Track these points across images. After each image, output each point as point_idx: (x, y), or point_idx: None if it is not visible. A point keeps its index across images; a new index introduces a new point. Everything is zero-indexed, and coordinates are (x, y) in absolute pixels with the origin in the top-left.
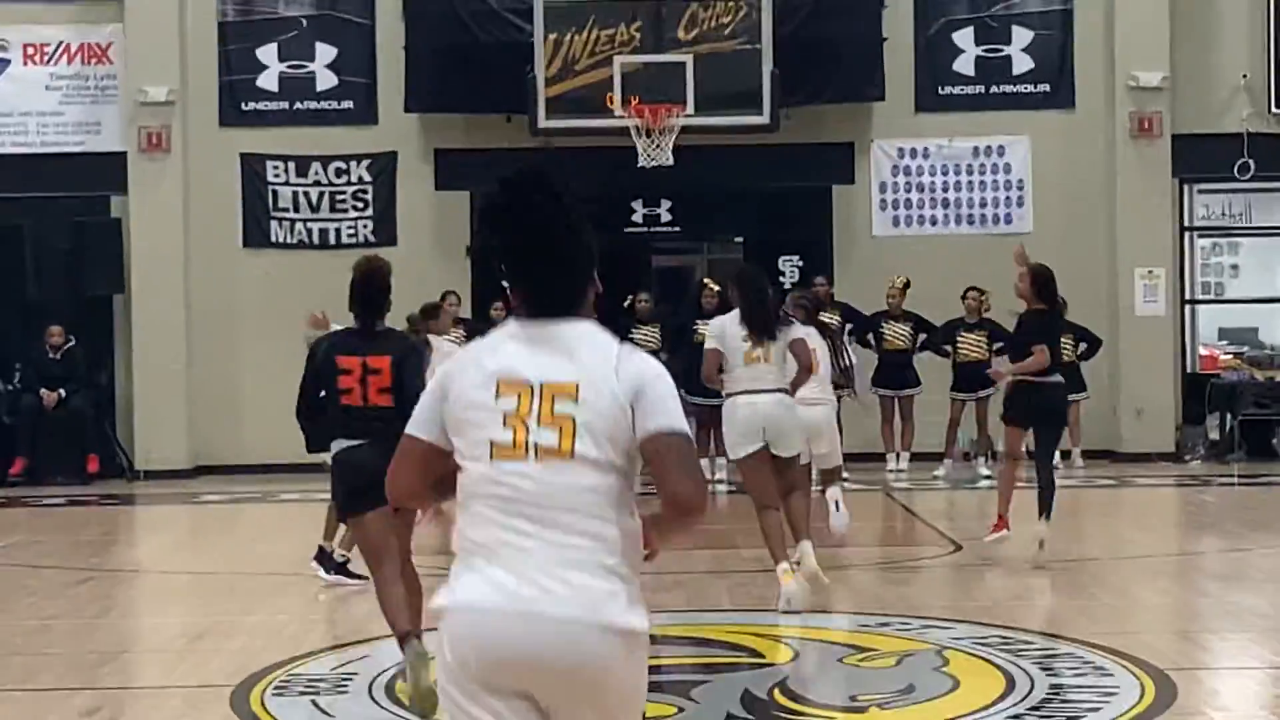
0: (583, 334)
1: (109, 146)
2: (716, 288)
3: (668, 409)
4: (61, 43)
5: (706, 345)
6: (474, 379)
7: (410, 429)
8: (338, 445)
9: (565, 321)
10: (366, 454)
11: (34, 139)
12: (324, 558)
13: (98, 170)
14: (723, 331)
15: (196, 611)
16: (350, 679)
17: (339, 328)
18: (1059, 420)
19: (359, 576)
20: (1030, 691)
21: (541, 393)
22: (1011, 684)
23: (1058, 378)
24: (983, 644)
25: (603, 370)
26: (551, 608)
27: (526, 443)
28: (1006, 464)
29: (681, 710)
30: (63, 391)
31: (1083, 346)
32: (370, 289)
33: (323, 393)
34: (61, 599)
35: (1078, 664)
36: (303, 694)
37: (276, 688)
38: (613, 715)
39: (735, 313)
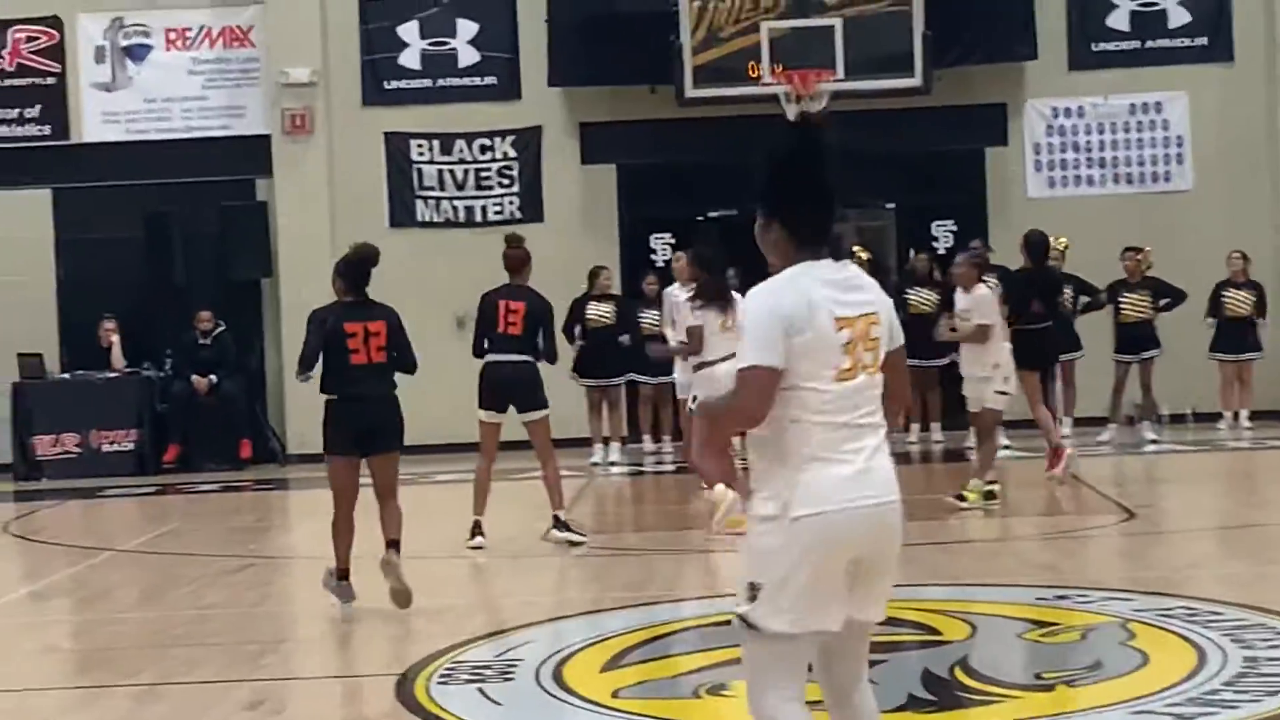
0: (859, 270)
1: (253, 130)
2: (866, 255)
3: (900, 330)
4: (203, 27)
5: (691, 322)
6: (821, 317)
7: (760, 360)
8: (332, 396)
9: (839, 261)
10: (362, 407)
11: (178, 124)
12: (560, 525)
13: (242, 154)
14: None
15: (358, 597)
16: (516, 665)
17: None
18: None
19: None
20: (1224, 665)
21: (861, 323)
22: (1203, 658)
23: (1047, 324)
24: (1167, 615)
25: (883, 299)
26: (888, 493)
27: (858, 364)
28: (1038, 407)
29: None
30: (214, 377)
31: (1251, 302)
32: (367, 268)
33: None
34: (219, 587)
35: (1270, 634)
36: (469, 682)
37: (441, 676)
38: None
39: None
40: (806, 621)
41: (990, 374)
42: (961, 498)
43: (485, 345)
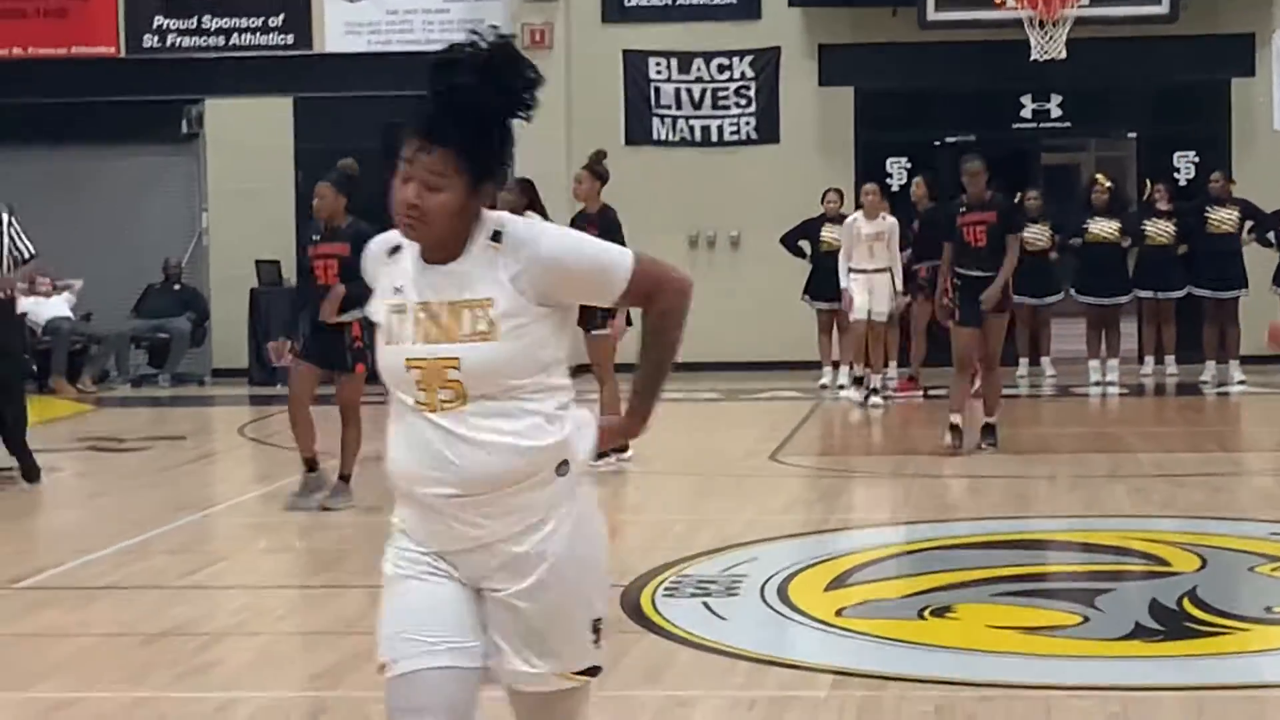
0: None
1: None
2: (1108, 184)
3: None
4: None
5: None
6: None
7: None
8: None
9: None
10: None
11: (419, 36)
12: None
13: None
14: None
15: None
16: (741, 580)
17: None
18: None
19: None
20: None
21: None
22: None
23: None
24: None
25: None
26: None
27: None
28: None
29: (1086, 620)
30: None
31: None
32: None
33: None
34: None
35: None
36: (694, 595)
37: (667, 588)
38: None
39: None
40: None
41: None
42: None
43: None
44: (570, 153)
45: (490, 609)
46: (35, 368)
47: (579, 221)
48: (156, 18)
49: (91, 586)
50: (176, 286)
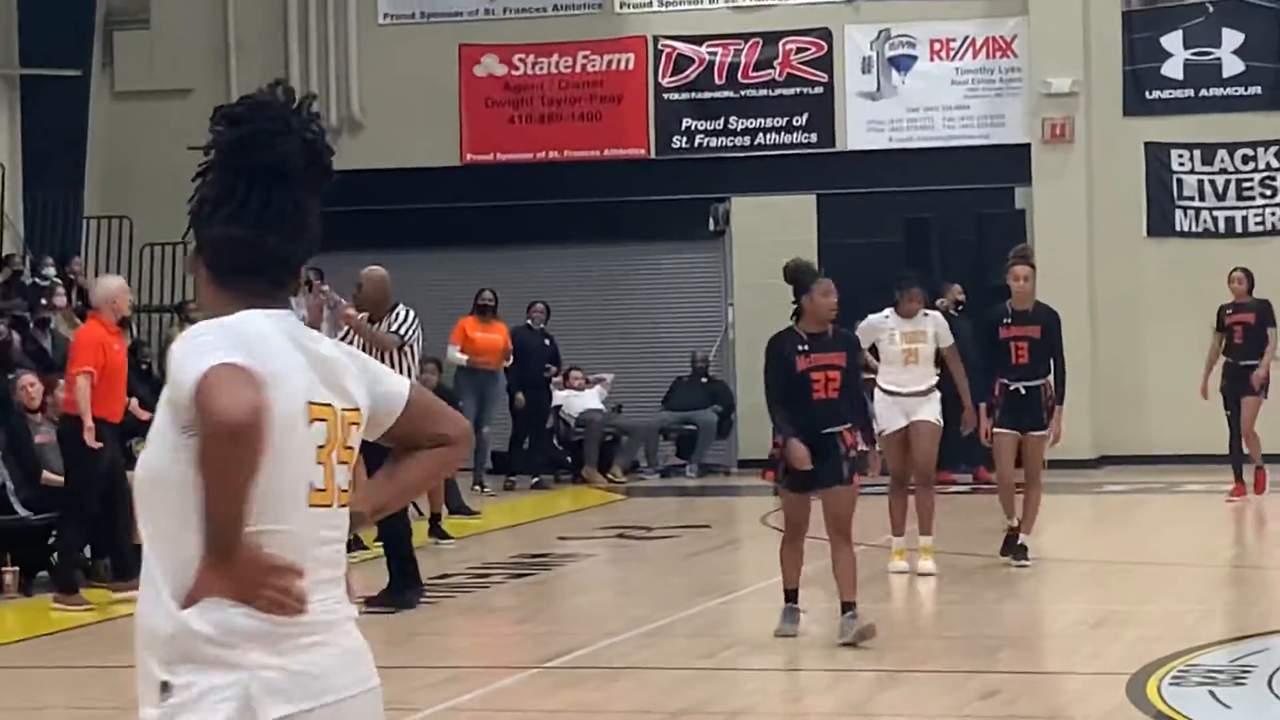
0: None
1: (1012, 138)
2: None
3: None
4: (967, 38)
5: None
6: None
7: None
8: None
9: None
10: None
11: (940, 132)
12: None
13: (1001, 162)
14: None
15: (1096, 599)
16: (1249, 671)
17: None
18: None
19: None
20: None
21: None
22: None
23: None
24: None
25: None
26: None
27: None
28: None
29: None
30: None
31: None
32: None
33: None
34: (963, 584)
35: None
36: (1200, 684)
37: (1174, 678)
38: None
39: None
40: None
41: None
42: None
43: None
44: (1091, 244)
45: None
46: (569, 458)
47: (1013, 321)
48: (685, 120)
49: (615, 666)
50: (704, 379)
